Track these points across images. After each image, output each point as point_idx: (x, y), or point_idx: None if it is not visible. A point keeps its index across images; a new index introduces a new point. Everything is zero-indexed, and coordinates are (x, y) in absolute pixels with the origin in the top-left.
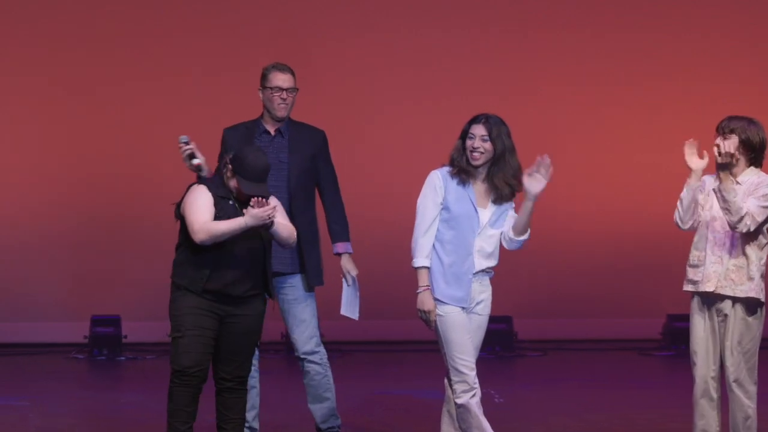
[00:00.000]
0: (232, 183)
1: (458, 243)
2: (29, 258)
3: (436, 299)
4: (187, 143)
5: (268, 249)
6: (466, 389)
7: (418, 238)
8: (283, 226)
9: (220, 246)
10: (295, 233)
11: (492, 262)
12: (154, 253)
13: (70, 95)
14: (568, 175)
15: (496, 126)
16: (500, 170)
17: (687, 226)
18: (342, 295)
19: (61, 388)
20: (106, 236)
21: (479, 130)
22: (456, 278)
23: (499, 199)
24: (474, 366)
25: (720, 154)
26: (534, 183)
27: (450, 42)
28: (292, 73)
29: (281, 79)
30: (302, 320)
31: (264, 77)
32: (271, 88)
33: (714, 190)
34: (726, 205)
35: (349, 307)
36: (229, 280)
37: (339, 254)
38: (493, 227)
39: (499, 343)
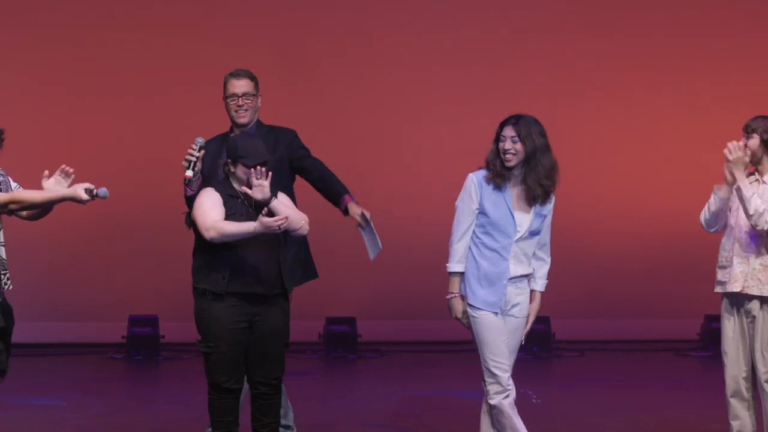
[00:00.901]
0: (239, 172)
1: (494, 248)
2: (67, 258)
3: (469, 304)
4: (199, 149)
5: (284, 243)
6: (499, 390)
7: (453, 244)
8: (294, 218)
9: (236, 246)
10: (306, 220)
11: (529, 270)
12: (192, 254)
13: (105, 99)
14: (605, 175)
15: (525, 125)
16: (532, 170)
17: (712, 230)
18: (365, 242)
19: (99, 388)
20: (143, 236)
21: (509, 131)
22: (490, 283)
23: (532, 199)
24: (508, 368)
25: (730, 152)
26: None
27: (489, 44)
28: (251, 78)
29: (236, 86)
30: None
31: (223, 86)
32: (228, 97)
33: (735, 189)
34: (744, 204)
35: (373, 247)
36: (250, 279)
37: (346, 207)
38: (532, 235)
39: (537, 343)
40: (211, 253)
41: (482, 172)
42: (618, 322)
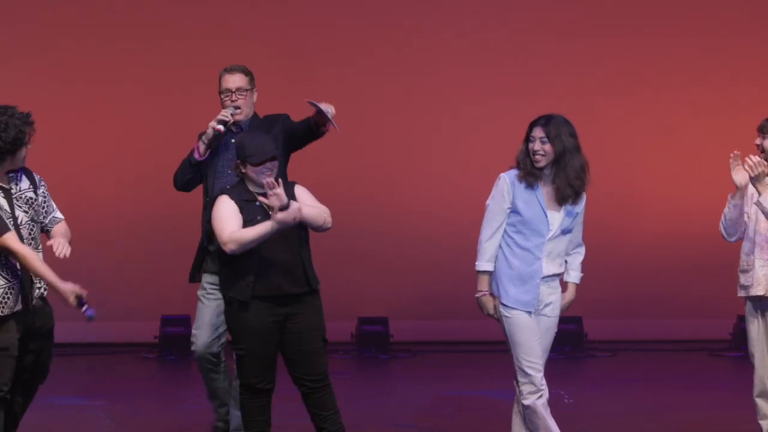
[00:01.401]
0: (249, 171)
1: (527, 247)
2: (100, 258)
3: (503, 304)
4: (232, 115)
5: (305, 240)
6: (533, 390)
7: (482, 242)
8: (314, 214)
9: (257, 251)
10: (328, 213)
11: (561, 269)
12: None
13: (148, 97)
14: (637, 174)
15: (555, 126)
16: (561, 170)
17: (733, 239)
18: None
19: (132, 388)
20: (175, 235)
21: (538, 132)
22: (523, 282)
23: (562, 199)
24: (541, 367)
25: (752, 168)
26: None
27: (524, 43)
28: (245, 73)
29: (229, 81)
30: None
31: (218, 82)
32: (222, 92)
33: (755, 203)
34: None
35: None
36: (276, 281)
37: (315, 122)
38: (564, 233)
39: (569, 343)
40: (232, 261)
41: (514, 172)
42: (650, 322)
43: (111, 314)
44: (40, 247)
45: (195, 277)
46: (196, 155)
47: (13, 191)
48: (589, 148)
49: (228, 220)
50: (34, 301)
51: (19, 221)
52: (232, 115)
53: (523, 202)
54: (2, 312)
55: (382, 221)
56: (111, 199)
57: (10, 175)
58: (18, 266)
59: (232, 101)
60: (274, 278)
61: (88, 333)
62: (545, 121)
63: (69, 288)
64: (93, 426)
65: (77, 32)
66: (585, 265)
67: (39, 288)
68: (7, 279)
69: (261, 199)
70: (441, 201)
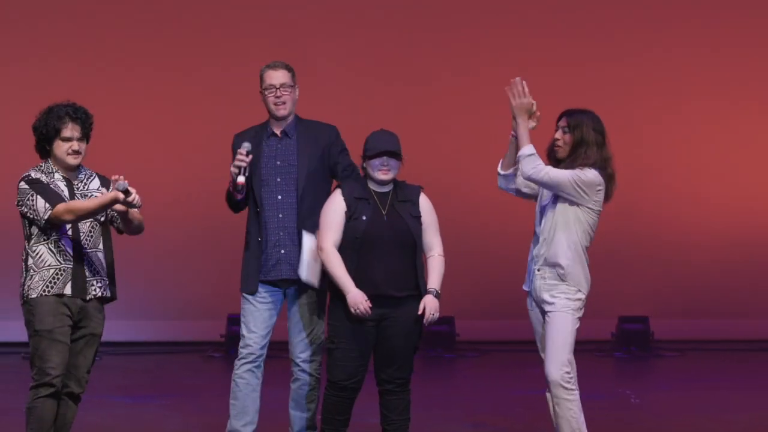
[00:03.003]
0: (367, 165)
1: (537, 233)
2: (166, 257)
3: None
4: (247, 154)
5: (419, 245)
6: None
7: None
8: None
9: (361, 250)
10: (440, 244)
11: (558, 259)
12: None
13: (211, 95)
14: (706, 173)
15: (577, 117)
16: (574, 161)
17: None
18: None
19: (197, 387)
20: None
21: (562, 122)
22: (530, 265)
23: None
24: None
25: None
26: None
27: (606, 42)
28: (288, 69)
29: (273, 77)
30: (306, 325)
31: (260, 79)
32: (266, 89)
33: None
34: None
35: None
36: (378, 282)
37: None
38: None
39: (636, 343)
40: (340, 254)
41: None
42: (718, 321)
43: (178, 313)
44: (99, 245)
45: (255, 285)
46: (237, 196)
47: (76, 185)
48: (658, 148)
49: (330, 229)
50: (89, 297)
51: None
52: (249, 153)
53: (545, 194)
54: (49, 291)
55: (447, 219)
56: (178, 198)
57: (80, 175)
58: (72, 252)
59: (277, 97)
60: (375, 278)
61: (155, 332)
62: (571, 111)
63: (112, 194)
64: (160, 425)
65: (149, 31)
66: (651, 265)
67: (97, 287)
68: (59, 261)
69: None
70: (508, 197)
